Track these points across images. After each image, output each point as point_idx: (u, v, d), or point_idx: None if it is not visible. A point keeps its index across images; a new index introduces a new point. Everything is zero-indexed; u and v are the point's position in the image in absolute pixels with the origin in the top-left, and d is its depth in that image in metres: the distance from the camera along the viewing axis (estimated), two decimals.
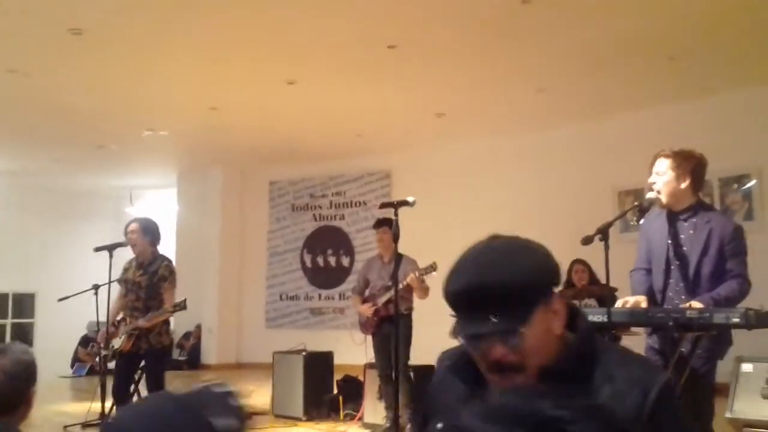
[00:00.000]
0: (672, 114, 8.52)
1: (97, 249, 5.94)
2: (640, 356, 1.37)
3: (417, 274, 5.85)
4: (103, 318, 5.88)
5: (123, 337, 5.44)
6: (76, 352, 12.46)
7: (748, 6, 6.02)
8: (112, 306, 5.79)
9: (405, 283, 5.87)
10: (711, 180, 7.98)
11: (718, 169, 7.78)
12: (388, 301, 6.04)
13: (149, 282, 5.49)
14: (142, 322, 5.32)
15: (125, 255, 5.92)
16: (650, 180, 3.56)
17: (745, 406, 4.24)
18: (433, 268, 5.93)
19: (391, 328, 5.85)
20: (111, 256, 5.82)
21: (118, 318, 5.66)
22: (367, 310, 6.36)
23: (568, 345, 1.35)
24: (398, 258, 6.10)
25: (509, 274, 1.33)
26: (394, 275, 5.01)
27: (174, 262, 5.76)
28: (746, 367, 4.31)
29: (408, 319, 6.12)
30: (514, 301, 1.30)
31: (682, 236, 3.52)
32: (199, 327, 12.30)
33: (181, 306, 5.33)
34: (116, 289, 5.79)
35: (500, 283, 1.31)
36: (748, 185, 7.97)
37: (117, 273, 5.80)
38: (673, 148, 3.54)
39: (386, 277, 6.14)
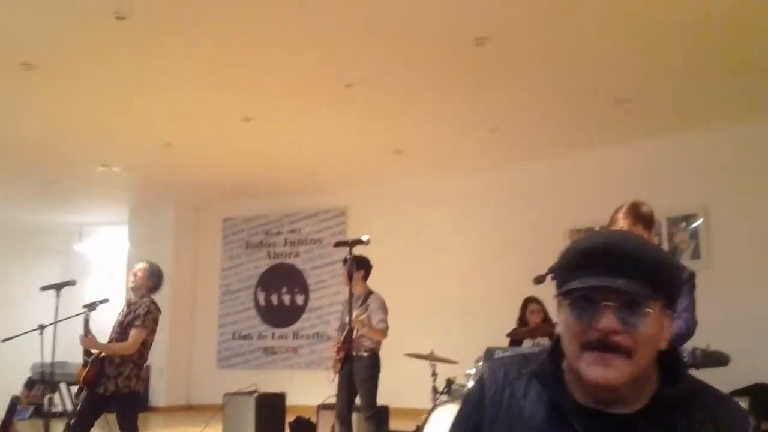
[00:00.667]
0: (622, 155, 8.73)
1: (44, 288, 5.78)
2: (729, 395, 1.32)
3: (355, 316, 5.82)
4: (48, 360, 5.72)
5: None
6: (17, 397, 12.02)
7: (692, 52, 6.24)
8: None
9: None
10: (660, 219, 8.15)
11: (666, 208, 7.99)
12: (347, 340, 5.98)
13: (127, 320, 5.44)
14: (84, 340, 5.29)
15: (73, 295, 5.79)
16: None
17: None
18: (364, 310, 5.91)
19: (351, 368, 5.79)
20: (58, 296, 5.67)
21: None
22: (331, 348, 6.32)
23: (673, 374, 1.27)
24: (366, 296, 6.10)
25: (648, 249, 1.25)
26: (349, 313, 4.97)
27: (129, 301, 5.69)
28: None
29: (367, 359, 6.01)
30: (645, 275, 1.21)
31: None
32: (148, 368, 12.01)
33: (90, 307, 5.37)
34: (76, 328, 5.67)
35: (639, 251, 1.23)
36: (695, 224, 8.17)
37: (63, 312, 5.67)
38: (630, 212, 3.60)
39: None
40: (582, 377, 1.23)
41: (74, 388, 6.91)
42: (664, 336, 1.25)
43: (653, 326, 1.21)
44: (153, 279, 5.64)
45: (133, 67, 6.54)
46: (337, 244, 5.15)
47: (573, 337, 1.24)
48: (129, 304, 5.58)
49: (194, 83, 6.95)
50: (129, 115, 7.86)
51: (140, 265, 5.68)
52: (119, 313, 5.61)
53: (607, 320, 1.19)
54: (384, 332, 6.01)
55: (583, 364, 1.22)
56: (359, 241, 4.81)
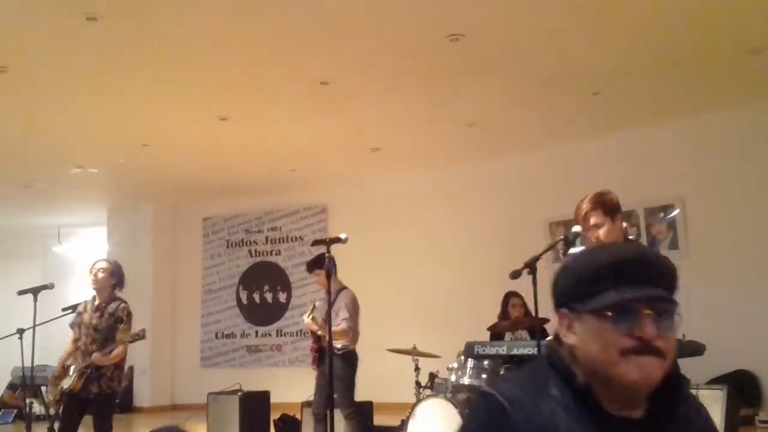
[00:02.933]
0: (599, 147, 8.78)
1: (21, 292, 5.73)
2: None
3: (309, 318, 5.84)
4: (28, 363, 5.67)
5: (74, 376, 5.27)
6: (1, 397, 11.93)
7: (668, 44, 6.28)
8: (64, 351, 5.58)
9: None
10: (637, 210, 8.23)
11: (644, 199, 8.07)
12: (320, 337, 5.97)
13: (106, 324, 5.33)
14: (96, 356, 5.17)
15: (53, 297, 5.74)
16: (593, 235, 3.71)
17: None
18: (312, 309, 5.94)
19: (325, 366, 5.78)
20: (35, 300, 5.62)
21: (68, 363, 5.46)
22: (311, 345, 6.30)
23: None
24: (338, 292, 6.07)
25: (666, 259, 1.35)
26: (328, 312, 4.96)
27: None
28: None
29: (339, 359, 5.98)
30: (672, 284, 1.32)
31: None
32: (131, 369, 11.95)
33: (140, 336, 5.23)
34: (56, 332, 5.61)
35: (663, 262, 1.33)
36: (672, 214, 8.24)
37: (43, 316, 5.61)
38: (594, 198, 3.70)
39: (324, 312, 6.08)
40: (622, 380, 1.27)
41: None
42: None
43: (678, 331, 1.31)
44: (115, 277, 5.51)
45: (107, 68, 6.48)
46: (315, 243, 5.11)
47: (608, 345, 1.28)
48: (99, 307, 5.41)
49: (169, 83, 6.91)
50: (104, 116, 7.79)
51: (100, 264, 5.53)
52: (81, 314, 5.47)
53: (650, 328, 1.27)
54: (344, 333, 5.89)
55: (624, 369, 1.27)
56: (337, 239, 4.78)
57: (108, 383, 5.24)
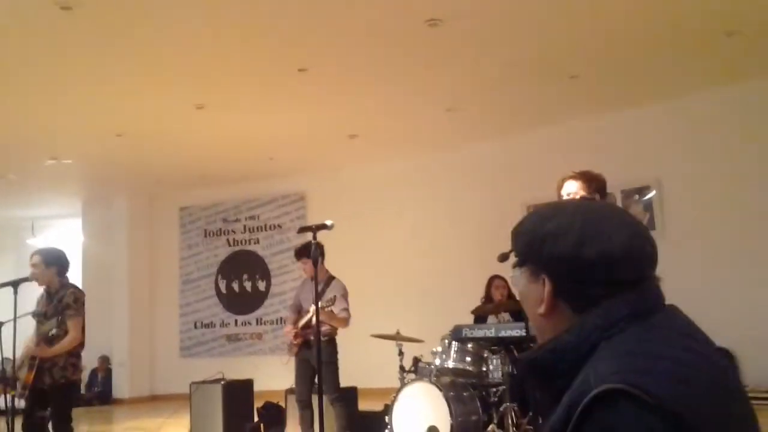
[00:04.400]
0: (575, 130, 8.85)
1: (0, 285, 5.65)
2: (638, 352, 1.02)
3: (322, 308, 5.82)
4: (8, 356, 5.59)
5: (25, 368, 5.18)
6: None
7: (644, 27, 6.34)
8: (29, 341, 5.49)
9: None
10: (614, 192, 8.31)
11: (620, 181, 8.15)
12: (305, 326, 5.97)
13: (55, 311, 5.20)
14: (35, 349, 5.06)
15: (30, 290, 5.66)
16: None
17: None
18: (331, 301, 5.91)
19: (308, 353, 5.80)
20: (15, 292, 5.54)
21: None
22: (288, 332, 6.28)
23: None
24: (328, 281, 6.06)
25: (520, 223, 1.31)
26: (316, 299, 4.96)
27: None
28: None
29: (327, 344, 5.99)
30: (517, 247, 1.28)
31: None
32: (104, 359, 11.84)
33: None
34: (29, 324, 5.51)
35: (514, 231, 1.32)
36: (649, 196, 8.34)
37: (23, 309, 5.53)
38: (575, 170, 3.72)
39: (311, 299, 6.08)
40: None
41: None
42: (542, 306, 1.20)
43: (524, 289, 1.26)
44: (54, 264, 5.31)
45: (81, 58, 6.40)
46: (301, 230, 5.09)
47: None
48: (50, 294, 5.29)
49: (144, 72, 6.83)
50: (78, 107, 7.70)
51: (34, 258, 5.35)
52: (38, 303, 5.38)
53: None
54: (346, 321, 5.96)
55: None
56: (323, 226, 4.77)
57: (61, 373, 5.09)
